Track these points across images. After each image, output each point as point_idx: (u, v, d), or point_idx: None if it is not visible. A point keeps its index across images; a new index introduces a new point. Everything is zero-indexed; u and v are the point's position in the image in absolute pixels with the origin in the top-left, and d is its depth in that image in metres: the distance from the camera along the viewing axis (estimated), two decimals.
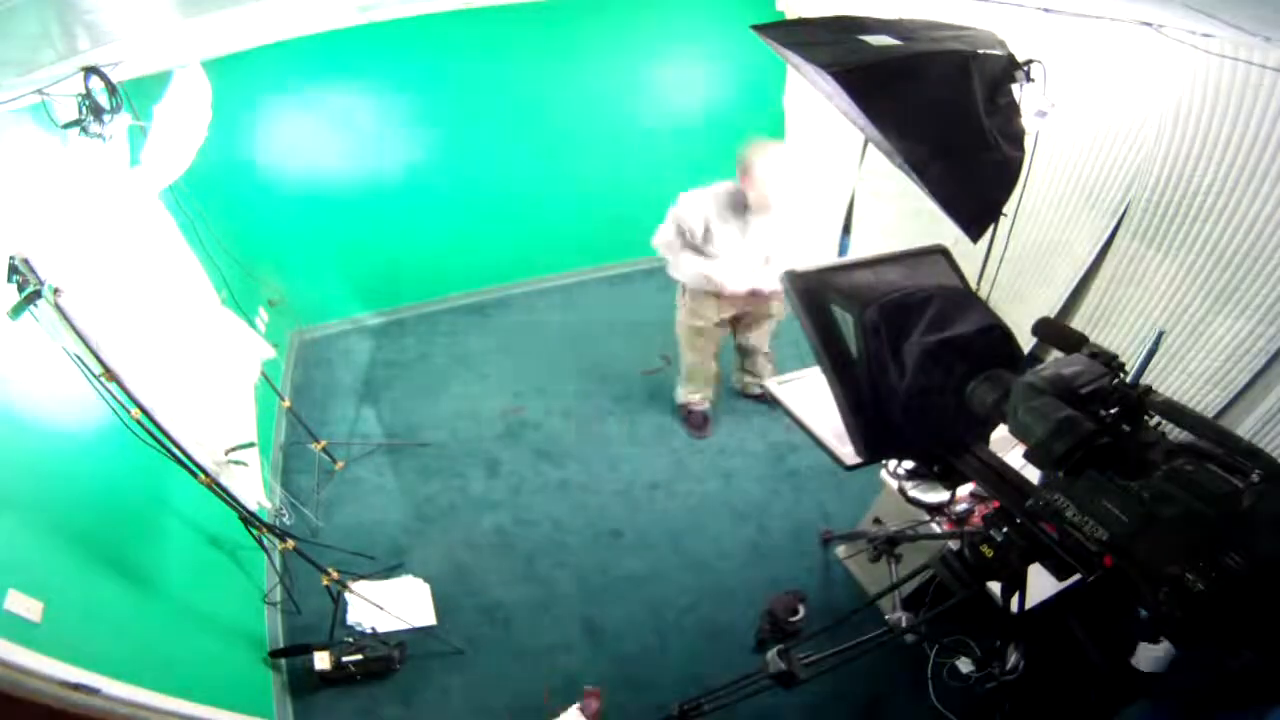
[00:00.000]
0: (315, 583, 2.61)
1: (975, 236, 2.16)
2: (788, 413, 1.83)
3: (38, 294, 1.65)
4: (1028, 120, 2.21)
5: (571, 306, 4.58)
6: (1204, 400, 2.52)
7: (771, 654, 1.77)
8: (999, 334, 1.37)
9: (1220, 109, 2.24)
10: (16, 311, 1.65)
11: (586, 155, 4.29)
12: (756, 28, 1.89)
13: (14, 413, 1.82)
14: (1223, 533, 0.97)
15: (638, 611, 2.80)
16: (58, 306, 1.67)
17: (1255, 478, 0.99)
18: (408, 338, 4.42)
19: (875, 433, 1.41)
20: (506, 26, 3.69)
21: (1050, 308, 3.05)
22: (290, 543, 2.52)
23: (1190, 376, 2.55)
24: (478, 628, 2.75)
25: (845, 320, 1.39)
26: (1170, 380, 2.62)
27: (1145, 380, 1.24)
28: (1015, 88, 2.05)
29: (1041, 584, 2.04)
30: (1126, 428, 1.16)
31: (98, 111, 2.14)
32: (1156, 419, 1.17)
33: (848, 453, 1.57)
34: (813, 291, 1.42)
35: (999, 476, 1.44)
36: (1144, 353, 1.22)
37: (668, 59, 4.02)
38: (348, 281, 4.38)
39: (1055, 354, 1.36)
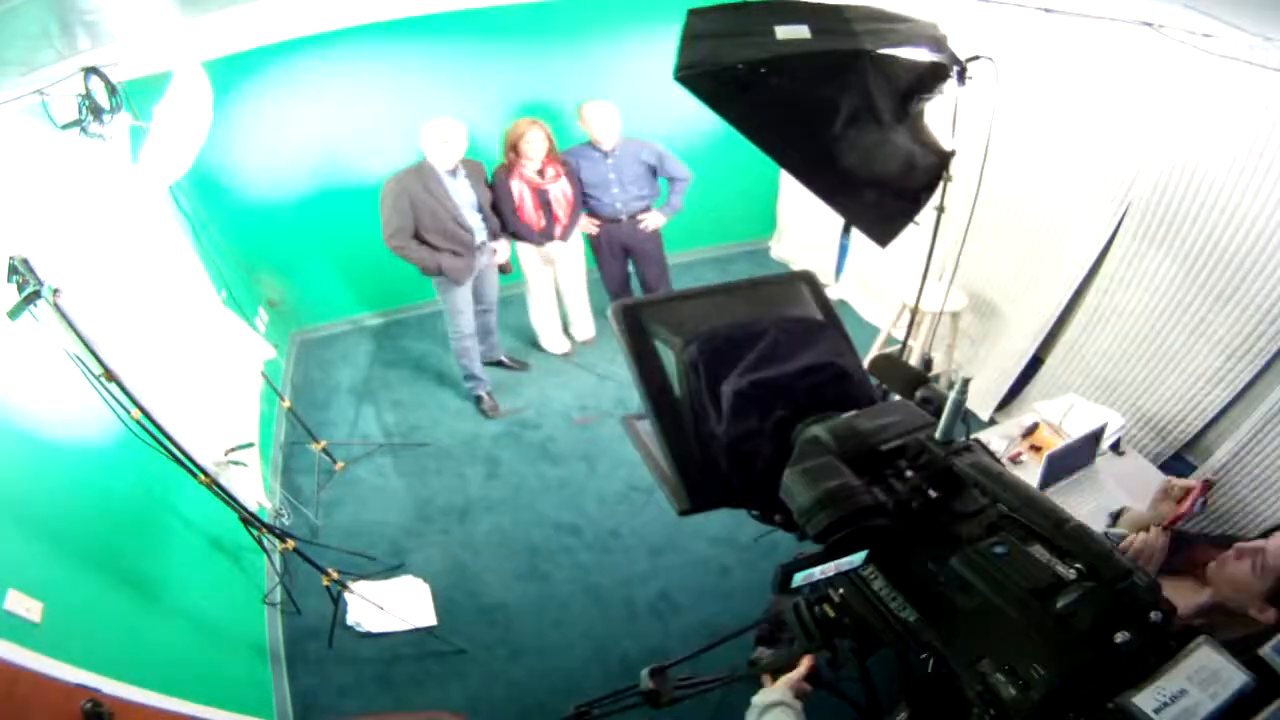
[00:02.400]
0: (315, 583, 2.60)
1: (882, 242, 2.16)
2: (637, 448, 1.63)
3: (37, 294, 1.65)
4: (981, 119, 2.19)
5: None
6: (1206, 400, 2.52)
7: (644, 672, 1.70)
8: (833, 372, 1.21)
9: (1220, 109, 2.24)
10: (16, 312, 1.65)
11: None
12: (693, 11, 1.88)
13: (13, 413, 1.82)
14: (1027, 637, 0.81)
15: (639, 612, 2.80)
16: (57, 307, 1.67)
17: (1072, 574, 0.82)
18: (408, 338, 4.42)
19: (700, 480, 1.26)
20: (505, 27, 3.69)
21: (1052, 307, 3.05)
22: (290, 543, 2.52)
23: (1191, 376, 2.55)
24: (478, 628, 2.75)
25: (668, 357, 1.26)
26: (1171, 380, 2.62)
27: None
28: (951, 87, 2.01)
29: None
30: (934, 493, 0.97)
31: (98, 112, 2.14)
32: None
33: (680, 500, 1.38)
34: (635, 325, 1.30)
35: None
36: (950, 404, 0.98)
37: (668, 61, 4.01)
38: (348, 282, 4.38)
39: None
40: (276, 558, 2.71)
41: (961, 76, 2.01)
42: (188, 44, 2.56)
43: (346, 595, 2.64)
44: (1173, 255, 2.52)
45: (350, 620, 2.70)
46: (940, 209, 2.50)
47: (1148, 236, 2.59)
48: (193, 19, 2.29)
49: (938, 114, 2.16)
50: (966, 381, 0.98)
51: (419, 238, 3.27)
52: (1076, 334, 3.00)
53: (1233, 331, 2.37)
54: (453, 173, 3.25)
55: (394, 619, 2.66)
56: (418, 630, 2.67)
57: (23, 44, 1.63)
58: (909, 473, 1.00)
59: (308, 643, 2.68)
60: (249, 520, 2.36)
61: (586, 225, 3.67)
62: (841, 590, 1.20)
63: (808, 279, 1.47)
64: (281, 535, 2.56)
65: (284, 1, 2.69)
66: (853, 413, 1.11)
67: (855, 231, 3.61)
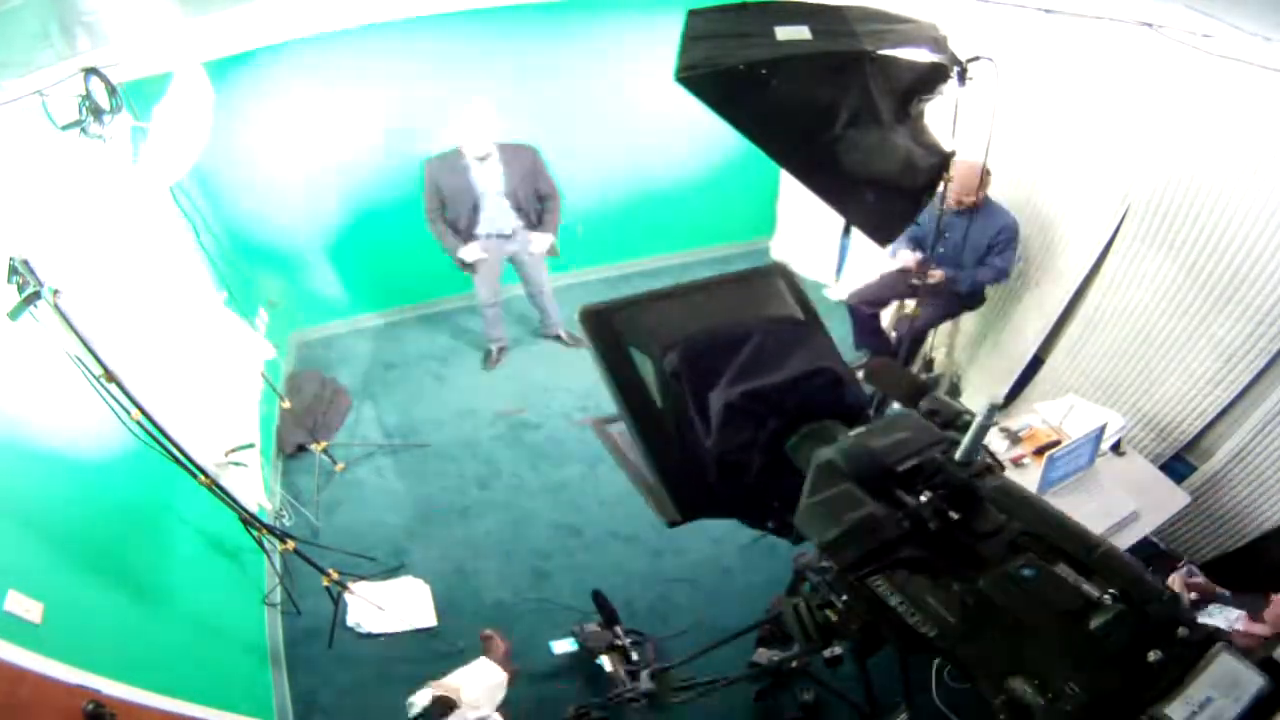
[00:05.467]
0: (315, 584, 2.60)
1: (882, 242, 2.16)
2: (615, 457, 1.59)
3: (37, 295, 1.65)
4: (981, 119, 2.19)
5: (571, 307, 4.57)
6: (1206, 401, 2.52)
7: (644, 672, 1.69)
8: (826, 379, 1.17)
9: (1220, 109, 2.24)
10: (16, 313, 1.65)
11: (586, 158, 4.28)
12: (693, 12, 1.88)
13: (14, 414, 1.81)
14: (1060, 657, 0.82)
15: (640, 613, 2.80)
16: (57, 308, 1.67)
17: (1108, 598, 0.82)
18: (408, 338, 4.42)
19: (689, 491, 1.21)
20: (504, 26, 3.69)
21: (1053, 308, 3.05)
22: (290, 544, 2.52)
23: (1191, 377, 2.55)
24: (478, 628, 2.74)
25: (645, 365, 1.20)
26: (1171, 381, 2.62)
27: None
28: (951, 87, 2.01)
29: None
30: (955, 515, 0.95)
31: (98, 112, 2.14)
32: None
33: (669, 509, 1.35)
34: (607, 331, 1.24)
35: None
36: (975, 427, 0.96)
37: (667, 62, 4.01)
38: (347, 282, 4.37)
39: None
40: (276, 558, 2.70)
41: (962, 77, 2.00)
42: (188, 44, 2.56)
43: (347, 596, 2.64)
44: (1173, 256, 2.52)
45: (350, 621, 2.70)
46: (941, 209, 2.50)
47: (1148, 237, 2.59)
48: (193, 19, 2.29)
49: (938, 114, 2.16)
50: (995, 407, 0.95)
51: (450, 222, 3.47)
52: (1077, 335, 3.00)
53: (1233, 333, 2.37)
54: (481, 159, 3.34)
55: (394, 620, 2.66)
56: (418, 631, 2.67)
57: (23, 44, 1.63)
58: (925, 493, 0.97)
59: (308, 643, 2.68)
60: (249, 521, 2.36)
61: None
62: (845, 598, 1.18)
63: (782, 272, 1.44)
64: (282, 536, 2.56)
65: (284, 1, 2.69)
66: (861, 429, 1.07)
67: (855, 231, 3.63)
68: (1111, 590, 0.82)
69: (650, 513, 3.23)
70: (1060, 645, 0.82)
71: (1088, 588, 0.84)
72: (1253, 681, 0.74)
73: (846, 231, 4.22)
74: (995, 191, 2.97)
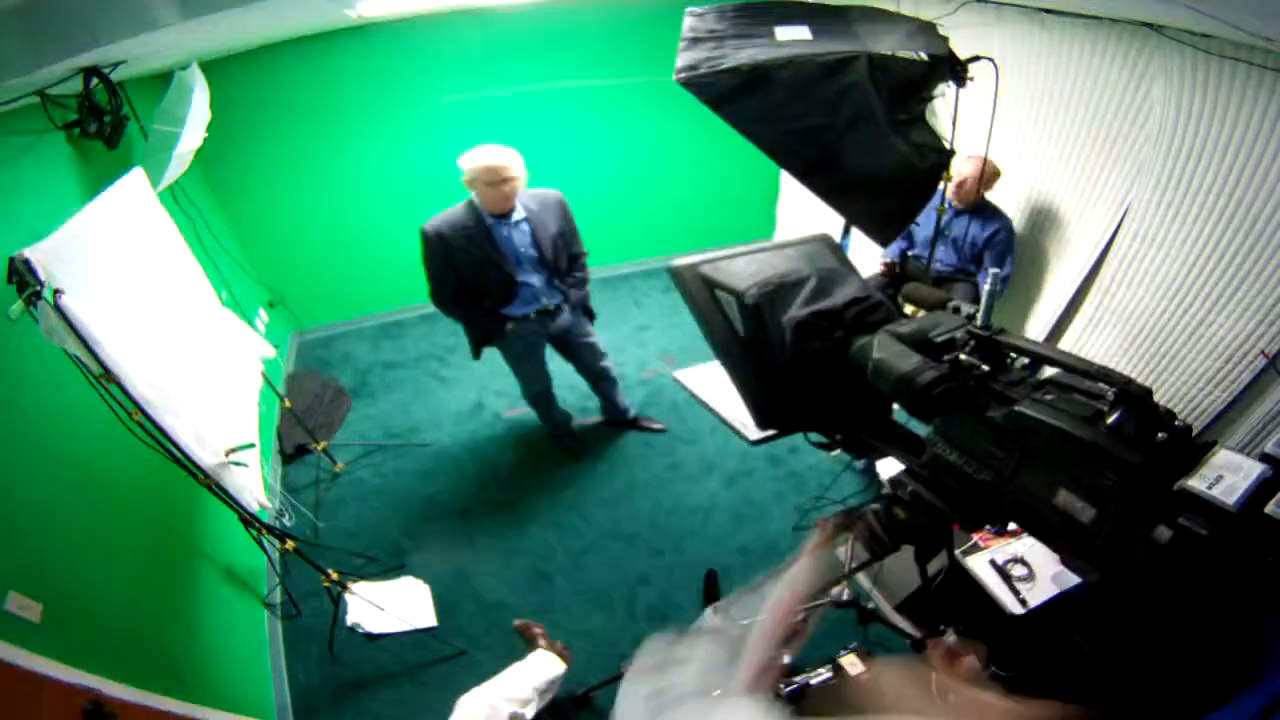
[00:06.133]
0: (315, 584, 2.60)
1: (882, 242, 2.19)
2: (695, 398, 1.97)
3: (38, 295, 1.65)
4: (981, 119, 2.20)
5: None
6: (1205, 401, 2.52)
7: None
8: (873, 302, 1.50)
9: (1220, 109, 2.24)
10: (16, 313, 1.65)
11: (585, 158, 4.29)
12: (692, 12, 1.90)
13: (13, 414, 1.82)
14: (1091, 454, 1.00)
15: (639, 613, 2.80)
16: (57, 308, 1.67)
17: (1110, 395, 1.04)
18: (407, 339, 4.42)
19: (770, 405, 1.51)
20: (503, 25, 3.69)
21: (1053, 308, 3.05)
22: (290, 544, 2.51)
23: (1190, 376, 2.55)
24: (479, 629, 2.75)
25: (729, 304, 1.51)
26: (1170, 380, 2.62)
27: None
28: (949, 87, 2.03)
29: (1043, 589, 2.04)
30: (985, 367, 1.21)
31: (98, 112, 2.14)
32: (1021, 359, 1.26)
33: (752, 430, 1.68)
34: (696, 280, 1.55)
35: (898, 437, 1.54)
36: (986, 295, 1.26)
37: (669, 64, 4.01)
38: (348, 282, 4.38)
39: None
40: (276, 558, 2.71)
41: (961, 77, 2.01)
42: (188, 44, 2.56)
43: (346, 596, 2.64)
44: (1172, 256, 2.52)
45: (350, 621, 2.69)
46: (941, 209, 2.50)
47: (1148, 237, 2.59)
48: (192, 19, 2.29)
49: (938, 114, 2.16)
50: (997, 276, 1.29)
51: (469, 291, 2.67)
52: (1077, 335, 3.00)
53: (1233, 333, 2.37)
54: (504, 217, 2.61)
55: (394, 620, 2.65)
56: (418, 631, 2.66)
57: (23, 44, 1.63)
58: (961, 356, 1.23)
59: (307, 644, 2.68)
60: (249, 521, 2.36)
61: None
62: (911, 489, 1.40)
63: (827, 241, 1.77)
64: (281, 536, 2.56)
65: (284, 1, 2.68)
66: (907, 319, 1.38)
67: (855, 231, 3.63)
68: (1113, 389, 1.03)
69: (650, 513, 3.27)
70: (1087, 447, 1.01)
71: (1096, 404, 1.06)
72: (1254, 467, 0.95)
73: (846, 231, 4.22)
74: (997, 191, 2.98)
